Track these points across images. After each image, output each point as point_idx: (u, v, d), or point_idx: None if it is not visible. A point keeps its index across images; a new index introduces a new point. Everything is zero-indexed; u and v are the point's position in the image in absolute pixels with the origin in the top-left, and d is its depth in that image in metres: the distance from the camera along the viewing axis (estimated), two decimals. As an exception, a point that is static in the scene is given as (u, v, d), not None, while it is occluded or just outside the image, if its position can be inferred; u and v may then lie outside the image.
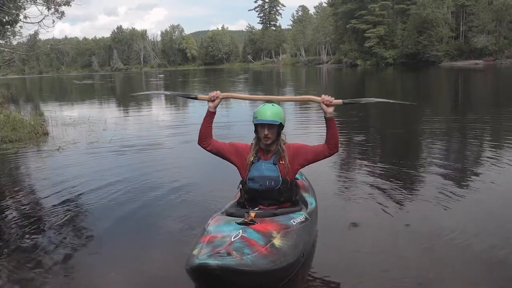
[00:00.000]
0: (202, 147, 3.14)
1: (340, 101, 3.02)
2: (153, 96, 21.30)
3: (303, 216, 2.99)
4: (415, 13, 54.37)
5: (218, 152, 3.15)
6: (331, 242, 3.40)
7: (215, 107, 3.08)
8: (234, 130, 9.03)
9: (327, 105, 2.95)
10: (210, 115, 3.09)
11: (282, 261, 2.49)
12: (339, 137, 3.06)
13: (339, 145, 3.08)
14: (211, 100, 3.06)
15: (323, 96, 2.98)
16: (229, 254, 2.30)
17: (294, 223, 2.83)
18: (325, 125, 3.02)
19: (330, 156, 3.07)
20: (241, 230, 2.57)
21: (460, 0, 53.20)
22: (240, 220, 2.74)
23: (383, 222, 3.79)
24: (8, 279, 3.02)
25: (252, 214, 2.80)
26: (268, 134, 2.98)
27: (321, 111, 3.01)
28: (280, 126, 3.03)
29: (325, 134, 3.04)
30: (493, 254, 3.13)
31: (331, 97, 2.97)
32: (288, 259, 2.55)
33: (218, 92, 3.09)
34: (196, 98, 3.23)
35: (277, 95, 19.70)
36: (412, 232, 3.56)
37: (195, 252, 2.43)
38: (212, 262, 2.24)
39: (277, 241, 2.56)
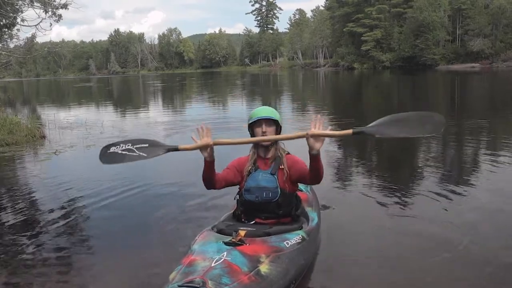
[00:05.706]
0: (214, 189, 2.85)
1: (349, 131, 2.50)
2: (150, 96, 21.24)
3: (300, 236, 2.69)
4: (412, 16, 54.71)
5: (228, 184, 2.87)
6: (329, 247, 3.37)
7: (211, 156, 2.59)
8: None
9: (315, 139, 2.44)
10: (210, 164, 2.63)
11: None
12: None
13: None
14: (203, 148, 2.56)
15: (312, 129, 2.44)
16: (204, 284, 2.03)
17: (287, 245, 2.54)
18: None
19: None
20: (225, 252, 2.31)
21: (457, 4, 53.57)
22: (228, 239, 2.47)
23: (382, 225, 3.78)
24: (5, 281, 3.00)
25: (242, 233, 2.50)
26: (266, 132, 2.78)
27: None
28: (278, 125, 2.86)
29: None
30: (492, 256, 3.13)
31: (320, 125, 2.44)
32: None
33: (208, 139, 2.55)
34: (176, 149, 2.66)
35: (275, 99, 19.77)
36: (411, 234, 3.54)
37: (171, 276, 2.23)
38: None
39: (264, 268, 2.29)
